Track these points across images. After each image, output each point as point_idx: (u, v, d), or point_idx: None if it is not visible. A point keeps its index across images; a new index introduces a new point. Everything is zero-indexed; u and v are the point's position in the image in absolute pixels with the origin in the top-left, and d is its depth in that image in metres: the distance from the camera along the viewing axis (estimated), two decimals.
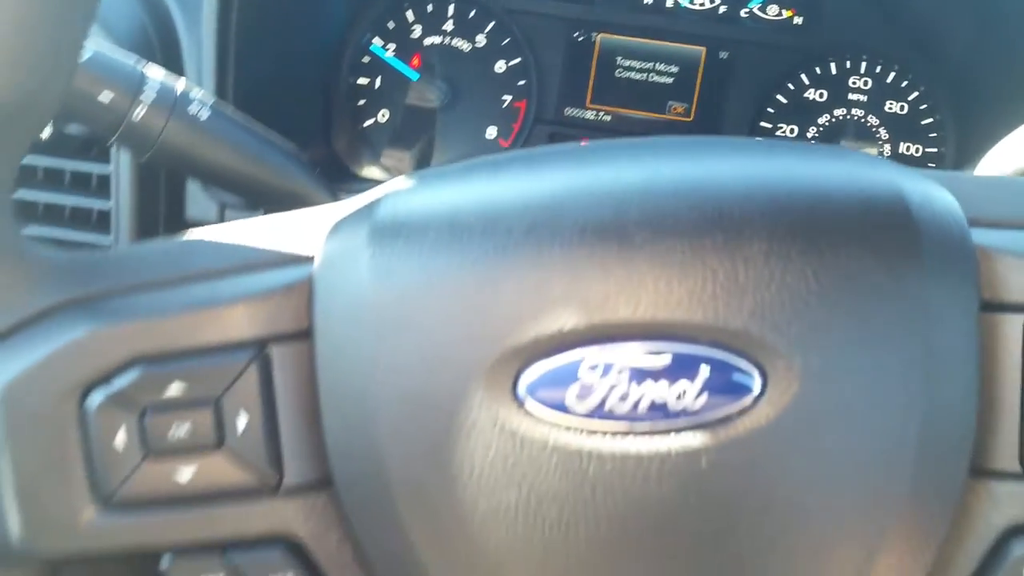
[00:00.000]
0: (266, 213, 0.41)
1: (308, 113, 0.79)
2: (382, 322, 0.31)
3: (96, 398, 0.33)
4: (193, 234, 0.37)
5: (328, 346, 0.32)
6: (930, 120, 0.75)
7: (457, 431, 0.30)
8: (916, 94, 0.75)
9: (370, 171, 0.80)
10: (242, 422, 0.33)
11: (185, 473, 0.33)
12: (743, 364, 0.29)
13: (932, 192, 0.32)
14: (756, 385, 0.29)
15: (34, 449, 0.33)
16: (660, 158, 0.32)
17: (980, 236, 0.31)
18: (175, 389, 0.33)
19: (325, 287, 0.33)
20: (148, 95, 0.43)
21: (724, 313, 0.29)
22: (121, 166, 0.62)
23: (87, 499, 0.33)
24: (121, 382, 0.33)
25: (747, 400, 0.29)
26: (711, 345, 0.29)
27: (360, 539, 0.33)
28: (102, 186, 0.64)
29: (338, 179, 0.75)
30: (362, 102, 0.81)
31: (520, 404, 0.30)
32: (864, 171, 0.32)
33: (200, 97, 0.46)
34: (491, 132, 0.80)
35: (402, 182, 0.35)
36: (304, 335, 0.33)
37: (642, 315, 0.29)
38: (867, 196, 0.30)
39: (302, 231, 0.35)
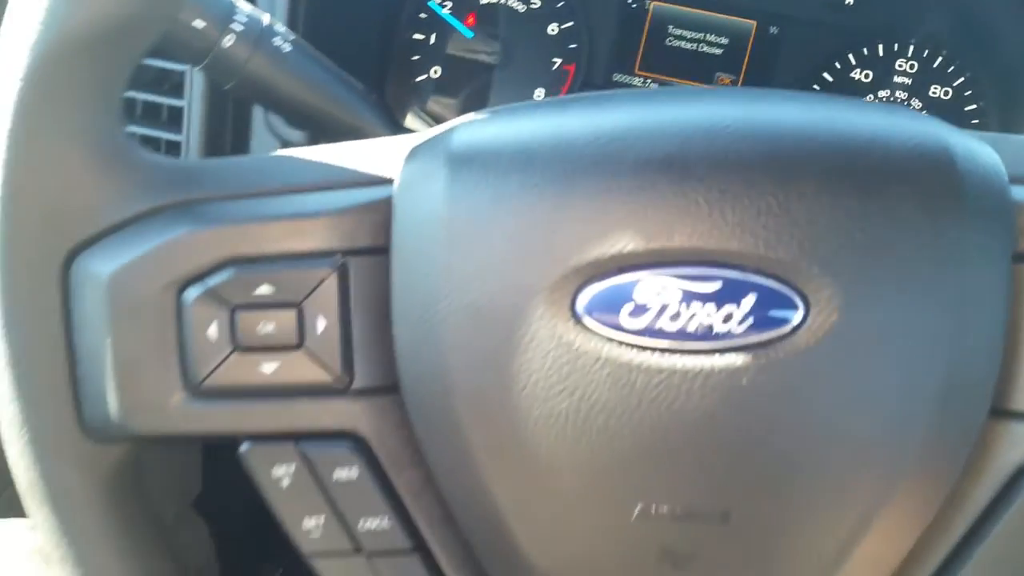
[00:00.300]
0: None
1: (365, 63, 0.81)
2: (454, 239, 0.34)
3: (192, 293, 0.36)
4: (284, 152, 0.40)
5: (403, 261, 0.35)
6: (973, 107, 0.77)
7: (517, 341, 0.33)
8: (961, 80, 0.77)
9: (415, 123, 0.83)
10: (321, 325, 0.36)
11: (267, 368, 0.36)
12: (788, 293, 0.32)
13: (977, 148, 0.34)
14: (798, 314, 0.32)
15: (133, 335, 0.36)
16: (723, 101, 0.35)
17: (1020, 192, 0.34)
18: (263, 290, 0.36)
19: (403, 206, 0.36)
20: (237, 25, 0.46)
21: (773, 244, 0.31)
22: (193, 100, 0.65)
23: (178, 385, 0.36)
24: (215, 280, 0.36)
25: (788, 327, 0.32)
26: (759, 273, 0.32)
27: (420, 440, 0.36)
28: (172, 119, 0.67)
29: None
30: (416, 57, 0.83)
31: (577, 320, 0.33)
32: (914, 124, 0.34)
33: (284, 31, 0.49)
34: (539, 93, 0.82)
35: (476, 115, 0.38)
36: (381, 250, 0.36)
37: (696, 242, 0.32)
38: (915, 145, 0.33)
39: (383, 156, 0.38)
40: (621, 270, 0.32)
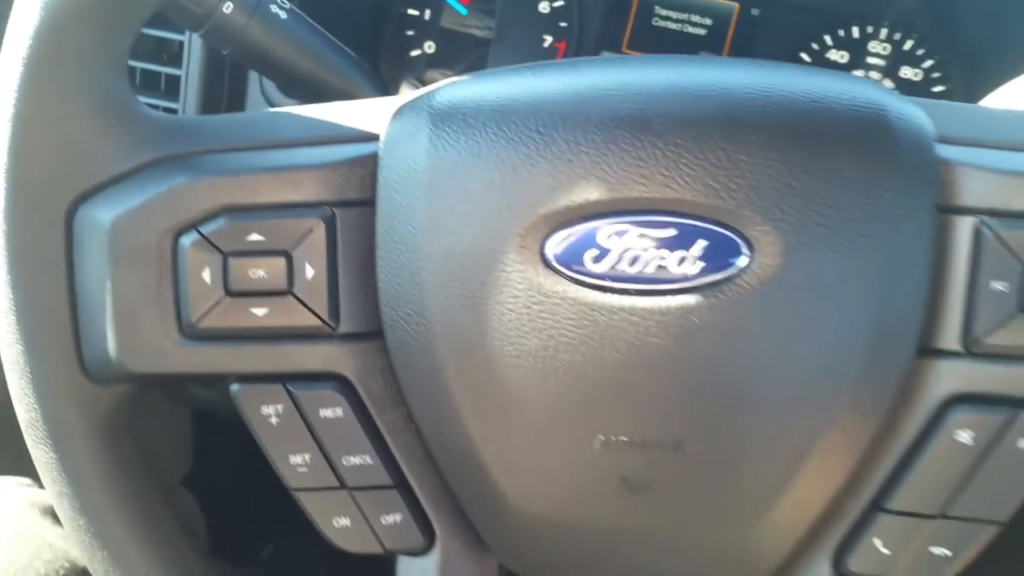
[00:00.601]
0: None
1: (360, 37, 0.84)
2: (434, 190, 0.37)
3: (187, 240, 0.38)
4: (276, 110, 0.42)
5: (387, 211, 0.38)
6: (942, 88, 0.80)
7: (491, 285, 0.36)
8: (931, 63, 0.80)
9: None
10: (309, 272, 0.38)
11: (257, 312, 0.38)
12: (735, 239, 0.35)
13: (908, 110, 0.37)
14: (745, 258, 0.35)
15: (131, 279, 0.38)
16: (681, 67, 0.38)
17: (944, 150, 0.37)
18: (254, 238, 0.38)
19: (388, 160, 0.38)
20: None
21: (722, 194, 0.35)
22: (191, 70, 0.67)
23: (173, 327, 0.39)
24: (209, 227, 0.38)
25: (736, 270, 0.35)
26: (709, 221, 0.35)
27: (401, 381, 0.39)
28: (170, 88, 0.69)
29: None
30: (411, 32, 0.86)
31: (546, 263, 0.36)
32: (853, 87, 0.37)
33: (280, 0, 0.52)
34: None
35: (458, 78, 0.41)
36: (367, 203, 0.39)
37: (653, 192, 0.35)
38: (852, 106, 0.36)
39: (370, 114, 0.41)
40: (586, 218, 0.35)
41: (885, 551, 0.39)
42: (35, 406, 0.39)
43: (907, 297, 0.36)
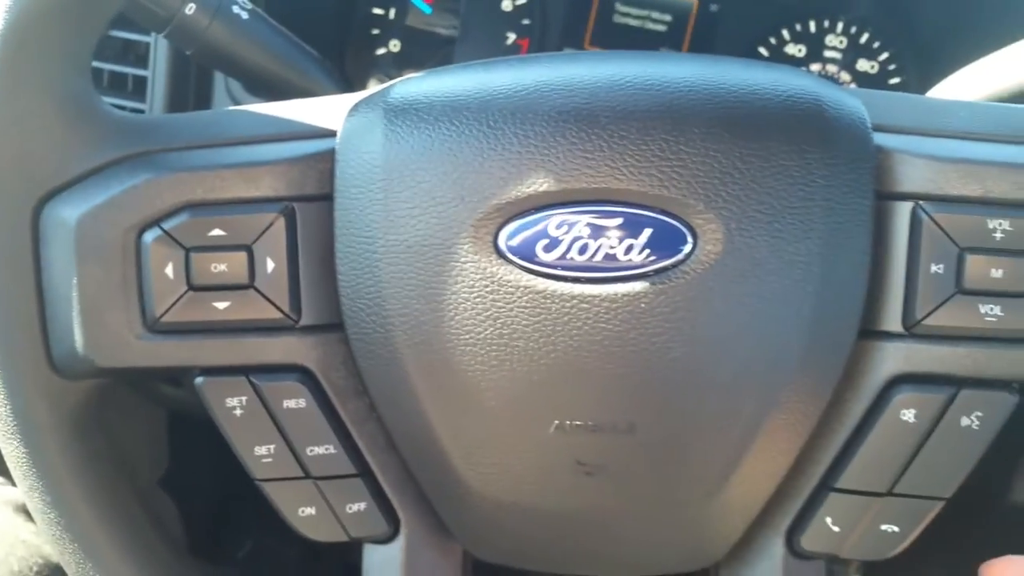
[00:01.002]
0: None
1: (325, 36, 0.84)
2: (391, 184, 0.38)
3: (151, 236, 0.39)
4: (237, 108, 0.43)
5: (345, 205, 0.39)
6: (897, 80, 0.82)
7: (447, 275, 0.37)
8: (886, 55, 0.82)
9: None
10: (270, 266, 0.39)
11: (220, 305, 0.39)
12: (680, 226, 0.36)
13: (845, 100, 0.39)
14: (689, 245, 0.36)
15: (97, 275, 0.39)
16: (627, 62, 0.39)
17: (881, 138, 0.38)
18: (216, 233, 0.39)
19: (345, 155, 0.39)
20: None
21: (665, 184, 0.36)
22: (157, 71, 0.68)
23: (138, 321, 0.39)
24: (172, 223, 0.39)
25: (681, 256, 0.36)
26: (654, 210, 0.36)
27: (363, 372, 0.40)
28: (137, 89, 0.70)
29: None
30: (376, 31, 0.87)
31: (500, 254, 0.37)
32: (791, 79, 0.38)
33: (242, 1, 0.53)
34: None
35: (413, 75, 0.42)
36: (326, 197, 0.40)
37: (600, 183, 0.36)
38: (789, 96, 0.37)
39: (327, 111, 0.42)
40: (537, 208, 0.37)
41: (835, 528, 0.40)
42: (4, 401, 0.40)
43: (847, 281, 0.37)
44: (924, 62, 0.81)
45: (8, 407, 0.40)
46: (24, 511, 0.57)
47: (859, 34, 0.82)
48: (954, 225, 0.37)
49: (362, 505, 0.42)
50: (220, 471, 1.06)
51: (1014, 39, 0.53)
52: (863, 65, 0.82)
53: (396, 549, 0.43)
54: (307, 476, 0.41)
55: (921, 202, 0.38)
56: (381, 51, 0.87)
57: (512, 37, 0.86)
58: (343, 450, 0.41)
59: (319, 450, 0.41)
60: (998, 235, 0.37)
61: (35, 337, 0.40)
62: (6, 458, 0.41)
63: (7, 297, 0.39)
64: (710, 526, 0.41)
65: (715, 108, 0.37)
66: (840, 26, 0.82)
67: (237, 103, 0.68)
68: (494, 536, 0.42)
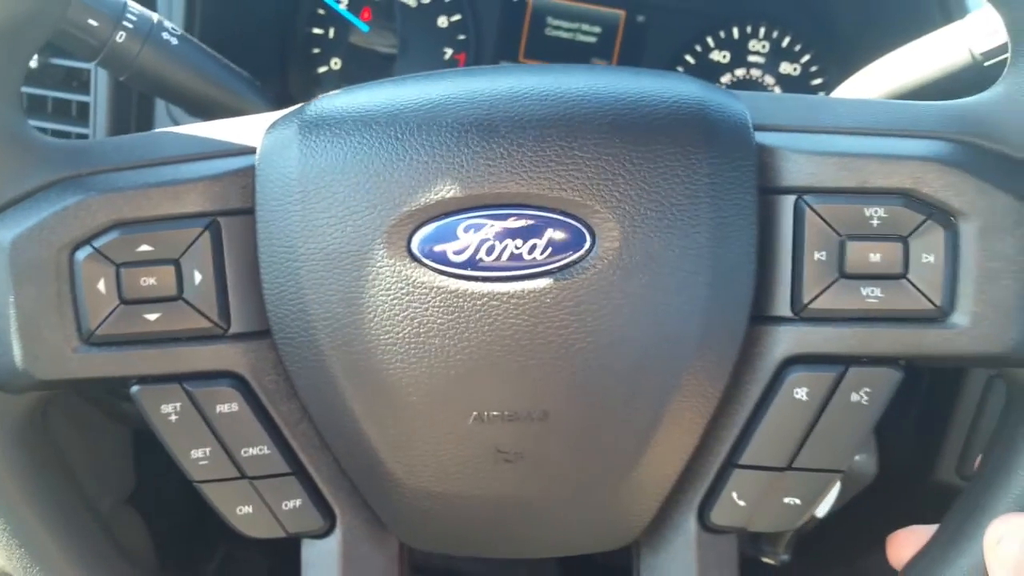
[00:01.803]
0: None
1: (266, 58, 0.87)
2: (307, 196, 0.40)
3: (82, 254, 0.41)
4: (163, 130, 0.45)
5: (266, 218, 0.41)
6: (819, 81, 0.86)
7: (364, 280, 0.40)
8: (807, 57, 0.86)
9: None
10: (197, 278, 0.41)
11: (151, 317, 0.41)
12: (578, 226, 0.39)
13: (727, 102, 0.41)
14: (587, 243, 0.39)
15: (32, 293, 0.41)
16: (525, 75, 0.42)
17: (763, 137, 0.41)
18: (144, 248, 0.41)
19: (264, 171, 0.42)
20: (127, 23, 0.52)
21: (563, 187, 0.39)
22: (99, 96, 0.70)
23: (73, 335, 0.41)
24: (101, 241, 0.41)
25: (580, 253, 0.39)
26: (555, 212, 0.39)
27: (292, 375, 0.42)
28: (81, 114, 0.72)
29: None
30: (316, 50, 0.89)
31: (413, 258, 0.39)
32: (676, 84, 0.41)
33: (171, 27, 0.55)
34: None
35: (330, 93, 0.44)
36: (248, 211, 0.42)
37: (503, 188, 0.39)
38: (674, 101, 0.40)
39: (248, 129, 0.44)
40: (446, 214, 0.39)
41: (742, 503, 0.43)
42: None
43: (737, 270, 0.40)
44: (844, 63, 0.85)
45: None
46: None
47: (780, 38, 0.86)
48: (834, 215, 0.40)
49: (297, 502, 0.44)
50: (188, 484, 1.07)
51: (919, 35, 0.57)
52: (786, 68, 0.86)
53: (333, 543, 0.45)
54: (243, 476, 0.43)
55: (803, 195, 0.41)
56: (323, 69, 0.89)
57: (449, 52, 0.89)
58: (276, 450, 0.43)
59: (253, 451, 0.43)
60: (875, 222, 0.40)
61: None
62: None
63: None
64: (625, 505, 0.43)
65: (605, 115, 0.39)
66: (762, 31, 0.86)
67: (178, 125, 0.70)
68: (425, 525, 0.45)
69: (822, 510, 0.45)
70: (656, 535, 0.45)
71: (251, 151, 0.43)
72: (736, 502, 0.43)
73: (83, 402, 0.76)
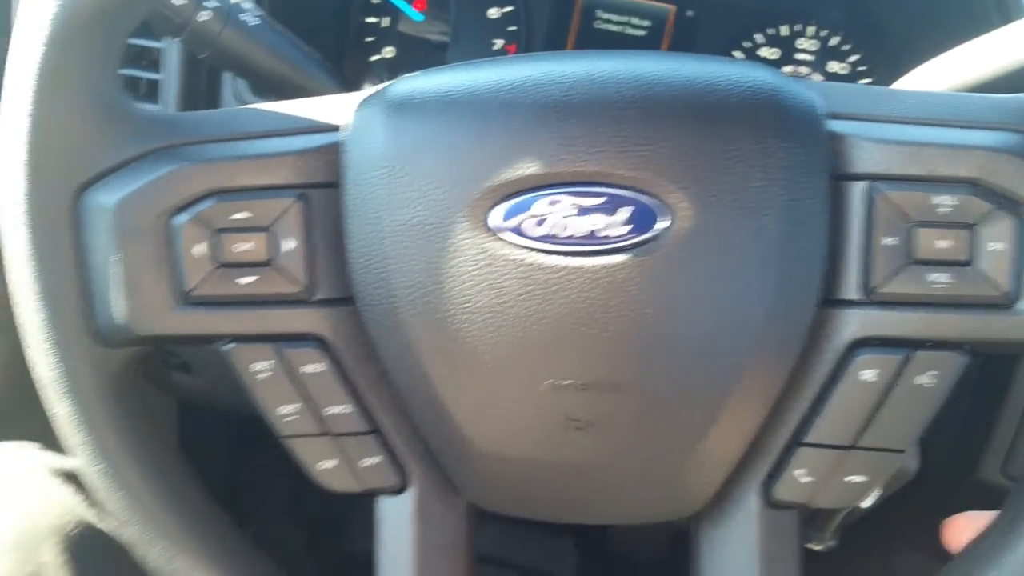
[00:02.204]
0: None
1: (324, 43, 0.88)
2: (393, 171, 0.42)
3: (180, 219, 0.43)
4: (251, 106, 0.48)
5: (354, 192, 0.43)
6: (867, 81, 0.87)
7: (446, 251, 0.42)
8: (856, 57, 0.87)
9: None
10: (287, 246, 0.44)
11: (244, 281, 0.44)
12: (656, 204, 0.40)
13: (799, 90, 0.43)
14: (665, 221, 0.40)
15: (133, 254, 0.43)
16: (602, 59, 0.43)
17: (836, 125, 0.43)
18: (239, 216, 0.43)
19: (351, 147, 0.44)
20: (211, 3, 0.54)
21: (640, 166, 0.40)
22: (169, 74, 0.72)
23: (171, 295, 0.44)
24: (198, 208, 0.43)
25: (657, 231, 0.40)
26: (632, 190, 0.40)
27: (374, 340, 0.44)
28: (150, 91, 0.74)
29: None
30: (371, 38, 0.91)
31: (492, 231, 0.41)
32: (749, 71, 0.43)
33: (251, 8, 0.57)
34: None
35: (411, 75, 0.46)
36: (334, 185, 0.44)
37: (581, 167, 0.40)
38: (749, 87, 0.42)
39: (333, 107, 0.46)
40: (526, 190, 0.41)
41: (805, 480, 0.44)
42: (53, 368, 0.44)
43: (807, 253, 0.41)
44: (893, 63, 0.86)
45: (57, 373, 0.44)
46: (61, 475, 0.60)
47: (829, 37, 0.87)
48: (904, 202, 0.42)
49: (375, 460, 0.46)
50: (224, 460, 1.10)
51: (973, 37, 0.58)
52: (834, 67, 0.87)
53: (406, 500, 0.47)
54: (326, 433, 0.45)
55: (874, 182, 0.42)
56: (375, 57, 0.91)
57: (500, 43, 0.90)
58: (357, 410, 0.45)
59: (336, 410, 0.45)
60: (943, 210, 0.41)
61: (79, 311, 0.44)
62: (55, 417, 0.46)
63: (54, 274, 0.44)
64: (690, 478, 0.45)
65: (681, 98, 0.41)
66: (811, 30, 0.87)
67: (243, 103, 0.72)
68: (494, 487, 0.47)
69: (868, 500, 0.46)
70: (718, 509, 0.46)
71: (335, 129, 0.45)
72: (799, 479, 0.45)
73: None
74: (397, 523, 0.47)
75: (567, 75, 0.42)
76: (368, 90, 0.46)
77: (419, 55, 0.91)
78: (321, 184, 0.44)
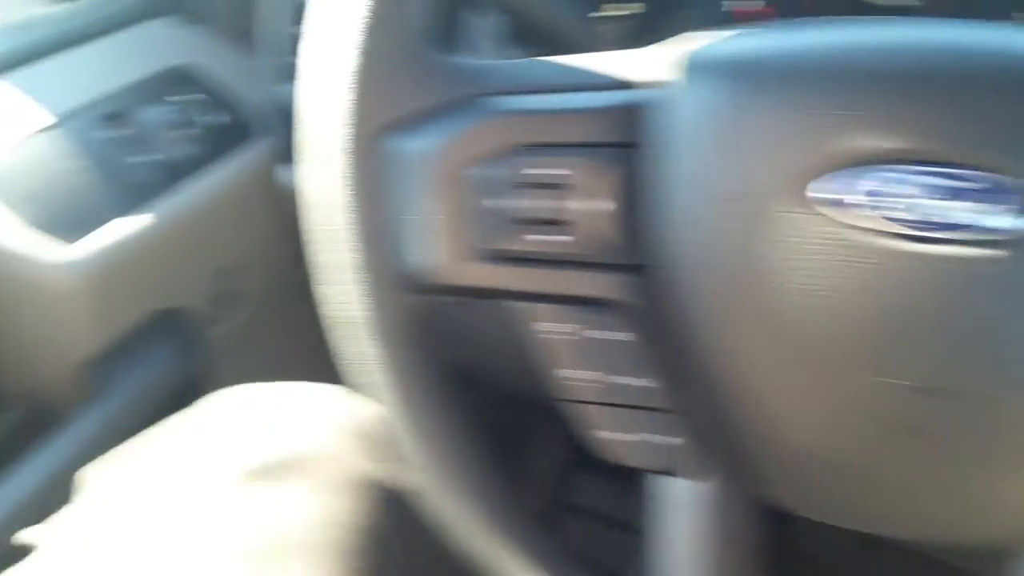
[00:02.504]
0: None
1: None
2: (716, 136, 0.39)
3: (486, 170, 0.42)
4: (552, 58, 0.45)
5: (667, 154, 0.40)
6: None
7: (768, 224, 0.38)
8: None
9: None
10: (592, 207, 0.41)
11: (545, 238, 0.42)
12: (1008, 186, 0.35)
13: None
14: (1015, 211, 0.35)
15: (434, 203, 0.43)
16: (931, 28, 0.39)
17: None
18: (542, 172, 0.42)
19: (671, 107, 0.41)
20: None
21: (990, 145, 0.35)
22: None
23: (471, 247, 0.43)
24: (504, 161, 0.42)
25: (1006, 222, 0.35)
26: (983, 171, 0.35)
27: (680, 312, 0.41)
28: None
29: None
30: None
31: (820, 207, 0.37)
32: None
33: None
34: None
35: (737, 33, 0.42)
36: (644, 145, 0.41)
37: (916, 144, 0.36)
38: None
39: (645, 62, 0.43)
40: (860, 164, 0.37)
41: None
42: (358, 308, 0.44)
43: None
44: None
45: (360, 312, 0.44)
46: (359, 435, 0.57)
47: None
48: None
49: (676, 440, 0.43)
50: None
51: None
52: None
53: (701, 487, 0.44)
54: (624, 405, 0.43)
55: None
56: (622, 12, 0.87)
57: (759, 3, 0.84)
58: (658, 385, 0.43)
59: (638, 382, 0.43)
60: None
61: (383, 252, 0.44)
62: (359, 356, 0.45)
63: (362, 217, 0.44)
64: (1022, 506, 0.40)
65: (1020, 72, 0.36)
66: None
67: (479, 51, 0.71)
68: (802, 487, 0.43)
69: None
70: None
71: (652, 85, 0.42)
72: None
73: None
74: (690, 510, 0.44)
75: (901, 44, 0.38)
76: (683, 46, 0.43)
77: (661, 9, 0.86)
78: (627, 144, 0.42)
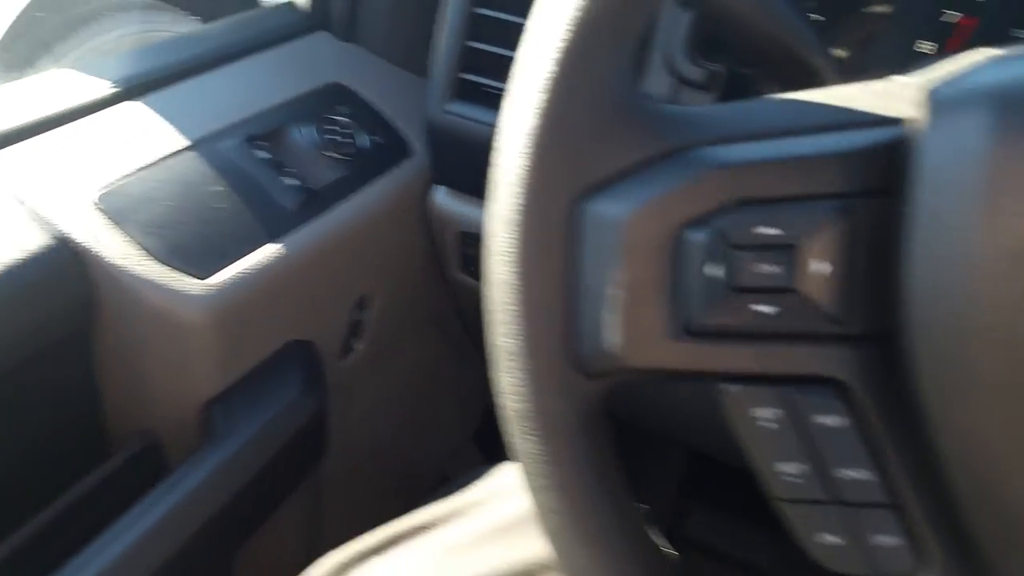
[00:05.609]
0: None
1: None
2: (994, 182, 0.31)
3: (697, 233, 0.36)
4: (773, 97, 0.39)
5: (927, 202, 0.33)
6: None
7: None
8: None
9: None
10: (818, 268, 0.35)
11: (761, 309, 0.36)
12: None
13: None
14: None
15: (637, 272, 0.37)
16: None
17: None
18: (763, 231, 0.35)
19: (931, 146, 0.33)
20: None
21: None
22: None
23: (674, 322, 0.37)
24: (717, 221, 0.36)
25: None
26: None
27: (918, 388, 0.34)
28: None
29: None
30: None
31: None
32: None
33: None
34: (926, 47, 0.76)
35: (994, 56, 0.34)
36: (888, 192, 0.34)
37: None
38: None
39: (885, 97, 0.36)
40: None
41: None
42: (526, 398, 0.39)
43: None
44: None
45: (529, 404, 0.39)
46: (449, 551, 0.54)
47: None
48: None
49: (892, 539, 0.37)
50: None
51: None
52: None
53: None
54: (834, 501, 0.37)
55: None
56: None
57: (956, 16, 0.74)
58: (879, 476, 0.36)
59: (852, 474, 0.36)
60: None
61: (561, 333, 0.39)
62: (521, 455, 0.40)
63: (537, 292, 0.38)
64: None
65: None
66: None
67: (675, 73, 0.63)
68: None
69: None
70: None
71: (897, 122, 0.35)
72: None
73: None
74: None
75: None
76: (936, 74, 0.35)
77: (847, 27, 0.77)
78: (869, 192, 0.35)
